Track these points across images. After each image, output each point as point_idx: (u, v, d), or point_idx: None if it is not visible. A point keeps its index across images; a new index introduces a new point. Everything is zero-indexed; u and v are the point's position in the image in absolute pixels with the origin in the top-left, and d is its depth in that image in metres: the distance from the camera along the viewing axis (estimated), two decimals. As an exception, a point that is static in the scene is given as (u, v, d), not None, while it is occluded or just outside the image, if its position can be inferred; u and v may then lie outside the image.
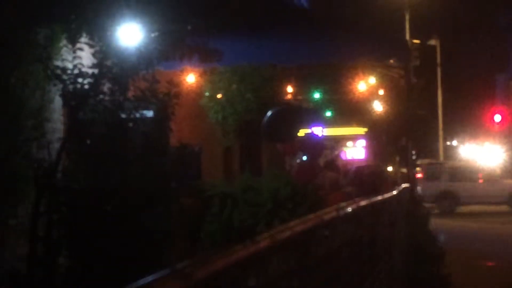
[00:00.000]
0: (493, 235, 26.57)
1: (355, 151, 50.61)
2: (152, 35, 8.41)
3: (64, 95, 8.29)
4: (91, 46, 8.21)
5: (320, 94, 26.80)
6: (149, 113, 8.42)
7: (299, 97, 24.63)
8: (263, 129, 13.86)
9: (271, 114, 13.89)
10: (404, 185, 15.76)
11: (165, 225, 8.08)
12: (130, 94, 8.25)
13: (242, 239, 3.75)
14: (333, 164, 18.39)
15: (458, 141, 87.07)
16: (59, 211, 7.84)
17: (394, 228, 11.73)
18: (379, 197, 9.34)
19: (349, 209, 6.21)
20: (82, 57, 8.25)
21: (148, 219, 7.85)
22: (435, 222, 20.57)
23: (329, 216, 5.26)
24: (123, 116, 8.11)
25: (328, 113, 29.02)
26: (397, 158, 31.26)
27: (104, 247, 7.47)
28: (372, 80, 21.98)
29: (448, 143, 75.99)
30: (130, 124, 8.15)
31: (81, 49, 8.29)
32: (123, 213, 7.68)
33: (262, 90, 17.87)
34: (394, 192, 12.18)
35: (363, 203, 7.21)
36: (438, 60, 54.06)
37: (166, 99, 8.24)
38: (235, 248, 3.49)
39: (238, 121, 17.82)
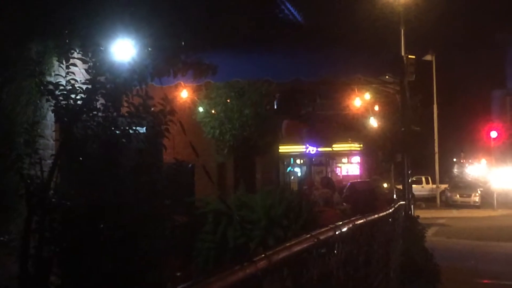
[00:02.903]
0: (488, 252, 26.50)
1: (350, 167, 50.74)
2: (146, 50, 8.35)
3: (57, 111, 8.20)
4: (84, 61, 8.14)
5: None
6: (143, 129, 8.33)
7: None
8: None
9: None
10: (400, 202, 15.68)
11: (158, 243, 7.99)
12: (123, 110, 8.17)
13: (237, 258, 3.66)
14: (329, 181, 18.35)
15: (454, 157, 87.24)
16: (51, 228, 7.74)
17: (390, 245, 11.64)
18: (375, 215, 9.26)
19: (345, 229, 6.13)
20: (75, 73, 8.17)
21: (141, 237, 7.76)
22: (430, 239, 20.50)
23: (325, 236, 5.19)
24: (116, 132, 8.03)
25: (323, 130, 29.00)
26: (392, 174, 31.23)
27: (96, 265, 7.38)
28: (368, 96, 21.94)
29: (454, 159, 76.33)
30: (123, 141, 8.06)
31: (74, 64, 8.22)
32: (116, 230, 7.59)
33: (260, 106, 17.83)
34: (390, 210, 12.08)
35: (359, 221, 7.12)
36: (434, 75, 54.18)
37: (160, 116, 8.16)
38: (232, 269, 3.40)
39: (235, 136, 17.76)
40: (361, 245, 7.50)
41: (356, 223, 6.87)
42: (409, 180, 18.74)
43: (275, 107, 21.27)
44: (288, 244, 4.35)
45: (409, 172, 17.85)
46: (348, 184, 22.80)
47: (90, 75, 8.10)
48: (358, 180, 31.11)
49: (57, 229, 7.73)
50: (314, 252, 4.84)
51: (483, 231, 35.46)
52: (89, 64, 8.11)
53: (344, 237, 6.07)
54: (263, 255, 3.82)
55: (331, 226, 5.64)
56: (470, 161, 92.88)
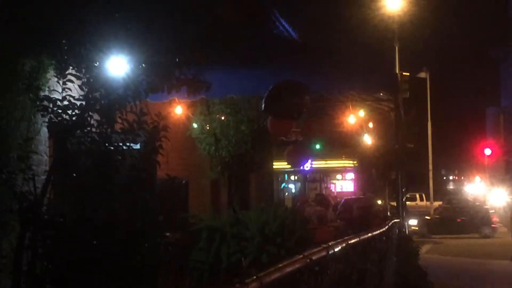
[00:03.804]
0: (482, 270, 26.47)
1: (344, 184, 50.69)
2: (140, 66, 8.34)
3: (51, 127, 8.20)
4: (78, 77, 8.13)
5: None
6: (136, 146, 8.32)
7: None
8: (265, 100, 13.47)
9: (274, 86, 13.49)
10: (394, 220, 15.66)
11: (152, 259, 7.97)
12: (117, 126, 8.16)
13: (229, 278, 3.64)
14: (322, 198, 18.33)
15: (447, 174, 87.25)
16: (44, 244, 7.72)
17: (384, 263, 11.62)
18: (369, 234, 9.24)
19: (338, 248, 6.11)
20: (70, 89, 8.16)
21: (134, 253, 7.74)
22: (424, 257, 20.47)
23: (318, 256, 5.17)
24: (110, 148, 8.01)
25: (317, 146, 28.98)
26: (387, 191, 31.22)
27: (90, 281, 7.35)
28: (362, 113, 21.94)
29: (444, 177, 76.21)
30: (117, 157, 8.04)
31: (71, 80, 8.21)
32: (109, 247, 7.56)
33: (256, 122, 17.81)
34: (384, 228, 12.07)
35: (352, 241, 7.10)
36: (428, 92, 54.27)
37: (154, 132, 8.15)
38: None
39: (231, 153, 17.72)
40: (354, 264, 7.48)
41: (349, 242, 6.85)
42: (404, 198, 18.73)
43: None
44: (280, 265, 4.32)
45: (403, 190, 17.84)
46: (342, 200, 22.75)
47: (84, 91, 8.09)
48: (352, 196, 31.08)
49: (50, 246, 7.71)
50: (307, 273, 4.82)
51: (477, 248, 35.44)
52: (83, 80, 8.11)
53: (337, 257, 6.05)
54: (254, 277, 3.80)
55: (324, 246, 5.62)
56: (462, 177, 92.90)
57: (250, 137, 17.76)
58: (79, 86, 8.15)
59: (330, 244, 5.86)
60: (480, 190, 68.82)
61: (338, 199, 26.20)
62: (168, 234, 9.04)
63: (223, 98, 16.60)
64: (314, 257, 4.99)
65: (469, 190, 78.16)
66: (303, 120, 18.63)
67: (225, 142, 17.65)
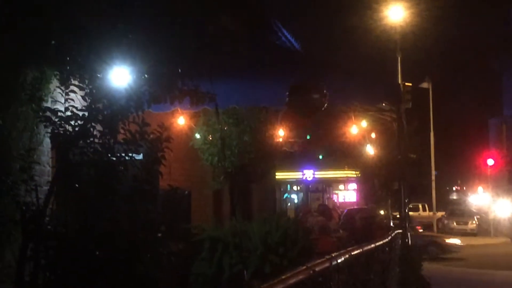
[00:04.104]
0: (485, 281, 26.41)
1: (347, 194, 50.64)
2: (143, 77, 8.34)
3: (54, 137, 8.19)
4: (81, 88, 8.13)
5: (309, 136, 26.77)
6: (139, 156, 8.31)
7: (291, 140, 24.57)
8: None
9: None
10: (396, 231, 15.63)
11: (154, 270, 7.95)
12: (120, 136, 8.15)
13: (232, 287, 3.63)
14: (325, 208, 18.32)
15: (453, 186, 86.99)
16: (46, 255, 7.71)
17: (387, 274, 11.60)
18: (372, 245, 9.21)
19: (341, 259, 6.09)
20: (73, 99, 8.17)
21: (136, 264, 7.72)
22: (427, 267, 20.40)
23: (321, 267, 5.15)
24: (113, 159, 8.01)
25: (320, 156, 28.99)
26: (389, 202, 31.17)
27: (92, 292, 7.34)
28: (364, 123, 21.93)
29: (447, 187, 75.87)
30: (120, 167, 8.04)
31: (74, 91, 8.21)
32: (112, 257, 7.55)
33: (259, 133, 17.80)
34: (387, 239, 12.04)
35: (355, 252, 7.08)
36: (431, 103, 54.24)
37: (157, 143, 8.15)
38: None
39: (234, 163, 17.69)
40: (357, 275, 7.46)
41: (352, 253, 6.83)
42: (407, 209, 18.69)
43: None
44: (283, 277, 4.31)
45: (406, 200, 17.81)
46: (345, 211, 22.73)
47: (87, 102, 8.09)
48: (355, 207, 31.04)
49: (52, 256, 7.70)
50: (310, 284, 4.80)
51: (480, 258, 35.35)
52: (86, 91, 8.10)
53: (341, 268, 6.03)
54: (258, 290, 3.78)
55: (327, 257, 5.60)
56: (464, 188, 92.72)
57: (253, 148, 17.74)
58: (82, 96, 8.15)
59: (333, 255, 5.84)
60: (484, 201, 68.49)
61: (341, 210, 26.19)
62: (170, 244, 9.02)
63: (225, 108, 16.59)
64: (317, 268, 4.98)
65: (473, 201, 77.87)
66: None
67: (228, 153, 17.62)
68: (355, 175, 46.13)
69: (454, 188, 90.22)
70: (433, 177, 55.36)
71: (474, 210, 64.90)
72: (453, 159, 74.18)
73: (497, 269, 29.95)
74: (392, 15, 37.80)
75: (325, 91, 13.61)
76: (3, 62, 8.58)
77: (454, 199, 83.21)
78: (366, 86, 15.54)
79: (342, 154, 33.88)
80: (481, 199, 72.65)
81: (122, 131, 8.11)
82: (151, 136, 8.16)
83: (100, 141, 8.02)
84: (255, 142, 17.77)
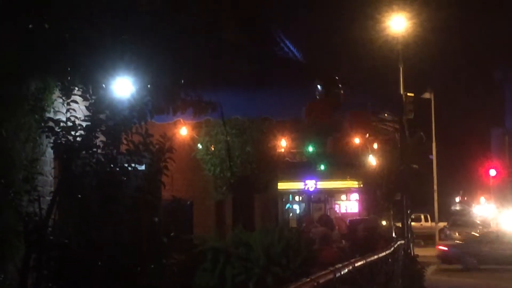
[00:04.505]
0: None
1: (349, 204, 50.54)
2: (146, 87, 8.34)
3: (56, 148, 8.19)
4: (85, 98, 8.13)
5: (314, 148, 26.77)
6: (141, 167, 8.31)
7: (293, 151, 24.58)
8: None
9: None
10: (399, 242, 15.61)
11: (157, 280, 7.94)
12: (123, 147, 8.15)
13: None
14: (327, 219, 18.28)
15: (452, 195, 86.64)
16: (49, 266, 7.70)
17: (390, 285, 11.57)
18: (375, 256, 9.20)
19: (345, 271, 6.08)
20: (75, 110, 8.17)
21: (139, 274, 7.72)
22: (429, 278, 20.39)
23: (324, 279, 5.14)
24: (116, 169, 8.01)
25: (322, 167, 28.95)
26: (391, 212, 31.09)
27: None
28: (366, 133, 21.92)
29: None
30: (123, 178, 8.04)
31: (75, 101, 8.22)
32: (114, 268, 7.55)
33: (261, 144, 17.80)
34: (390, 250, 12.02)
35: (358, 263, 7.07)
36: (433, 113, 54.19)
37: (159, 153, 8.14)
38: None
39: (236, 174, 17.67)
40: (361, 287, 7.44)
41: (355, 264, 6.82)
42: (409, 220, 18.69)
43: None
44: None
45: (408, 211, 17.80)
46: (347, 221, 22.68)
47: (90, 112, 8.09)
48: (357, 217, 30.97)
49: (55, 267, 7.69)
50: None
51: (482, 269, 35.24)
52: (91, 101, 8.10)
53: (344, 279, 6.02)
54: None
55: (330, 269, 5.59)
56: (465, 198, 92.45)
57: (255, 158, 17.73)
58: (86, 107, 8.15)
59: (337, 267, 5.83)
60: (489, 212, 67.93)
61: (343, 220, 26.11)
62: (172, 255, 9.01)
63: (228, 119, 16.58)
64: (321, 281, 4.97)
65: (477, 212, 77.42)
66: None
67: (231, 163, 17.61)
68: (357, 186, 46.08)
69: (457, 200, 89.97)
70: (435, 188, 55.29)
71: (478, 221, 64.74)
72: (455, 169, 74.07)
73: (498, 280, 29.84)
74: (394, 26, 37.80)
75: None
76: (6, 72, 8.59)
77: (457, 210, 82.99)
78: (368, 97, 15.55)
79: (345, 164, 33.79)
80: (486, 210, 72.22)
81: (125, 141, 8.11)
82: (156, 147, 8.16)
83: (103, 152, 8.02)
84: (257, 152, 17.76)
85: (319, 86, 13.81)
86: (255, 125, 17.45)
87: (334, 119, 17.47)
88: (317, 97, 14.37)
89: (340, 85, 13.99)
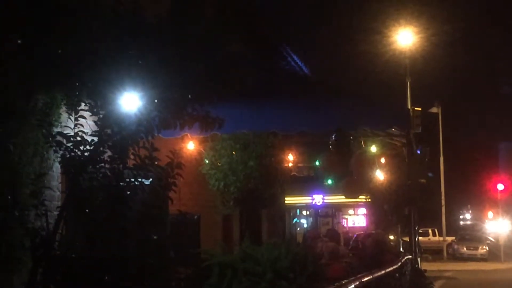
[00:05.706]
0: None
1: (357, 219, 50.52)
2: (153, 102, 8.36)
3: (64, 162, 8.21)
4: (93, 113, 8.16)
5: (321, 162, 26.71)
6: (148, 181, 8.32)
7: (300, 165, 24.55)
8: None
9: None
10: (406, 256, 15.57)
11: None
12: (129, 162, 8.16)
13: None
14: (334, 233, 18.25)
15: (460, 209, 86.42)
16: (55, 281, 7.71)
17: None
18: (382, 271, 9.18)
19: (352, 286, 6.07)
20: (82, 124, 8.20)
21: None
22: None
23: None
24: (123, 184, 8.02)
25: (329, 181, 28.90)
26: (399, 227, 31.05)
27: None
28: (374, 148, 21.89)
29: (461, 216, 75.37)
30: (129, 193, 8.05)
31: (83, 117, 8.25)
32: (121, 283, 7.55)
33: (265, 158, 17.79)
34: (397, 265, 11.99)
35: (366, 278, 7.06)
36: (440, 128, 54.19)
37: (168, 169, 8.16)
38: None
39: (240, 188, 17.67)
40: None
41: (362, 280, 6.81)
42: (417, 234, 18.65)
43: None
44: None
45: (416, 227, 17.76)
46: (354, 236, 22.65)
47: (98, 127, 8.12)
48: (365, 232, 30.96)
49: (62, 282, 7.69)
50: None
51: (490, 284, 35.16)
52: (100, 116, 8.13)
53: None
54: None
55: (337, 284, 5.58)
56: (470, 212, 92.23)
57: (257, 173, 17.72)
58: (94, 122, 8.18)
59: (343, 282, 5.82)
60: (502, 227, 67.09)
61: (350, 234, 26.10)
62: (179, 269, 9.01)
63: (233, 133, 16.59)
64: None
65: (489, 227, 76.83)
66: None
67: (233, 178, 17.61)
68: (364, 200, 46.05)
69: (467, 215, 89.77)
70: (443, 202, 55.21)
71: (488, 236, 64.51)
72: (463, 184, 73.98)
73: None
74: (401, 40, 37.92)
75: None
76: (13, 87, 8.62)
77: (469, 225, 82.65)
78: (376, 111, 15.55)
79: (352, 179, 33.73)
80: (498, 225, 71.61)
81: (132, 156, 8.13)
82: (165, 163, 8.17)
83: (110, 166, 8.04)
84: (261, 167, 17.75)
85: (333, 136, 14.07)
86: (260, 140, 17.45)
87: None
88: (330, 147, 14.66)
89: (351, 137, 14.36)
